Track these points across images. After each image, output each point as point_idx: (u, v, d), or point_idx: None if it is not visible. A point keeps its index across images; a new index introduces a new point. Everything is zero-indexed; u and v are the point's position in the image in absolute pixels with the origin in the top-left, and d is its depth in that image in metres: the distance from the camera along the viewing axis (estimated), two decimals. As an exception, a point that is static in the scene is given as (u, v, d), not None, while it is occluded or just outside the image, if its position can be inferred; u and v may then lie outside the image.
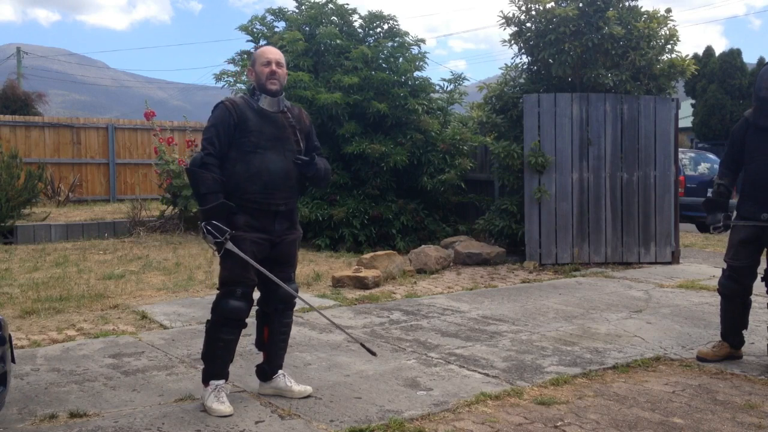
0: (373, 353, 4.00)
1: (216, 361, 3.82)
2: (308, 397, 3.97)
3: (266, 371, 4.03)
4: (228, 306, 3.78)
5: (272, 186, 3.83)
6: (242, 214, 3.79)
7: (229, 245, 3.70)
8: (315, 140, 4.12)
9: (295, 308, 6.22)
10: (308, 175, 3.97)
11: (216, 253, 3.76)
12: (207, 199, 3.72)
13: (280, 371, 4.04)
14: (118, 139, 16.53)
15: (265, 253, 3.86)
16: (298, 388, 4.00)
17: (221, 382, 3.82)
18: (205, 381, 3.83)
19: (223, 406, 3.73)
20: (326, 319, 4.10)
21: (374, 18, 11.38)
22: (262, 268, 3.79)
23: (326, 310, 6.15)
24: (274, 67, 3.91)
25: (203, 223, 3.71)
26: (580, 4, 9.21)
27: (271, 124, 3.89)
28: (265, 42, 11.55)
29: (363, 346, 4.00)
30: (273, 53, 3.97)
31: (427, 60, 11.19)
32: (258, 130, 3.84)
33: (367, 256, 7.93)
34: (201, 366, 4.19)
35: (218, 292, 3.87)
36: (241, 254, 3.71)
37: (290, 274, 4.02)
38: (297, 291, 4.02)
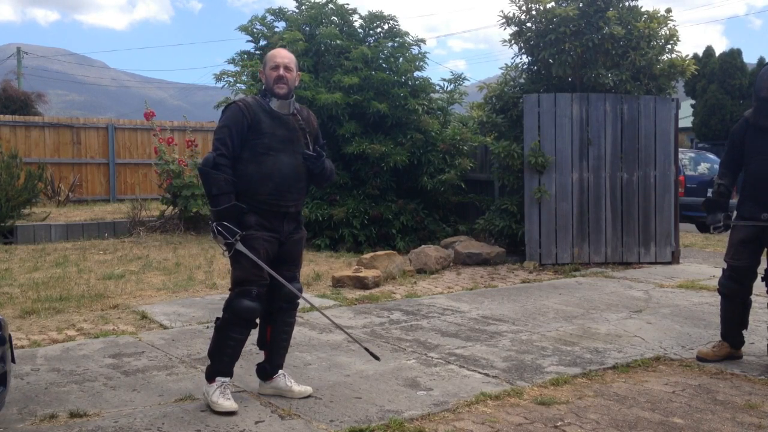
0: (377, 358, 4.01)
1: (224, 358, 3.84)
2: (308, 397, 3.97)
3: (267, 370, 4.03)
4: (243, 306, 3.79)
5: (284, 188, 3.86)
6: (253, 214, 3.82)
7: (240, 246, 3.72)
8: (321, 141, 4.14)
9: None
10: (315, 171, 3.99)
11: (225, 253, 3.78)
12: (219, 201, 3.74)
13: (280, 371, 4.05)
14: (118, 139, 16.53)
15: (275, 251, 3.89)
16: (299, 388, 4.01)
17: (227, 379, 3.84)
18: (211, 378, 3.83)
19: (229, 402, 3.74)
20: (329, 321, 4.10)
21: (374, 18, 11.38)
22: (268, 269, 3.81)
23: (326, 310, 6.14)
24: (281, 71, 3.92)
25: (214, 224, 3.73)
26: (581, 4, 9.21)
27: (283, 126, 3.92)
28: (264, 42, 11.55)
29: (367, 350, 4.00)
30: (282, 57, 3.97)
31: (427, 60, 11.19)
32: (271, 132, 3.86)
33: (367, 256, 7.93)
34: (201, 366, 4.19)
35: (231, 291, 3.87)
36: (251, 255, 3.73)
37: (295, 274, 4.06)
38: (301, 291, 4.05)
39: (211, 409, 3.74)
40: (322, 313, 4.23)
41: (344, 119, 10.36)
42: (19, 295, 6.70)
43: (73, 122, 16.42)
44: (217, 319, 3.91)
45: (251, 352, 4.58)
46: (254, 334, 4.14)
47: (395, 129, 10.63)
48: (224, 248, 3.76)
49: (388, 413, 3.72)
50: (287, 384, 4.01)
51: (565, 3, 9.36)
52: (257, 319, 3.92)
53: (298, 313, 5.81)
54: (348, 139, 10.33)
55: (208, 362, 3.89)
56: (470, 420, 3.65)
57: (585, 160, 8.97)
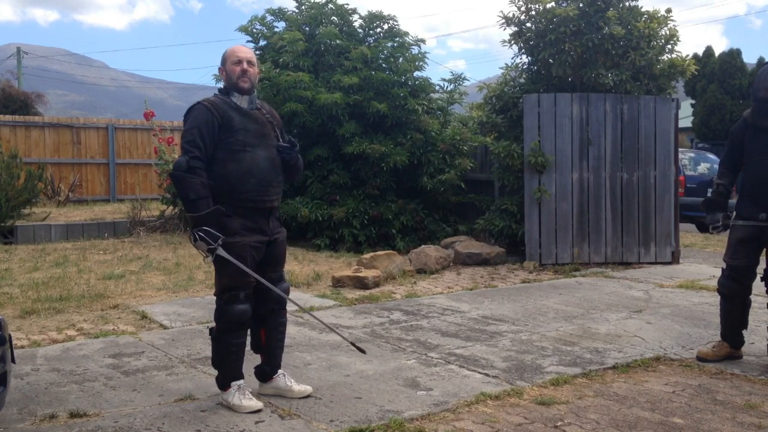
0: (363, 351, 4.03)
1: (231, 364, 3.84)
2: (308, 397, 3.97)
3: (266, 372, 4.03)
4: (235, 311, 3.77)
5: (265, 183, 3.84)
6: (237, 217, 3.77)
7: (221, 251, 3.66)
8: (285, 135, 4.13)
9: (295, 308, 6.21)
10: (291, 162, 4.00)
11: (207, 259, 3.72)
12: (198, 206, 3.65)
13: (279, 371, 4.04)
14: (118, 139, 16.53)
15: (261, 255, 3.87)
16: (299, 387, 4.00)
17: (241, 381, 3.85)
18: (225, 386, 3.83)
19: (252, 402, 3.76)
20: (316, 319, 4.11)
21: (374, 18, 11.38)
22: (254, 274, 3.78)
23: (326, 310, 6.15)
24: (245, 65, 3.90)
25: (195, 230, 3.65)
26: (581, 4, 9.21)
27: (253, 121, 3.89)
28: (264, 42, 11.55)
29: (353, 344, 4.02)
30: (243, 52, 3.96)
31: (427, 60, 11.18)
32: (243, 128, 3.82)
33: (367, 256, 7.93)
34: (201, 366, 4.19)
35: (218, 299, 3.83)
36: (233, 260, 3.69)
37: (282, 273, 4.06)
38: (288, 291, 4.06)
39: (236, 412, 3.72)
40: (310, 314, 4.24)
41: (344, 119, 10.36)
42: (19, 295, 6.70)
43: (73, 122, 16.42)
44: (211, 330, 3.89)
45: (248, 352, 4.58)
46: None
47: (395, 129, 10.63)
48: (206, 254, 3.69)
49: (388, 413, 3.72)
50: (287, 384, 4.00)
51: (565, 3, 9.36)
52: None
53: (297, 314, 5.82)
54: (348, 139, 10.33)
55: (217, 373, 3.88)
56: (470, 420, 3.65)
57: (585, 160, 8.97)
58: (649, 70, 9.25)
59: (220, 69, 3.99)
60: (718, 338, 4.88)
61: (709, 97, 25.27)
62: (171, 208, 11.91)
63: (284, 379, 4.02)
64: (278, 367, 4.05)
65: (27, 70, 37.97)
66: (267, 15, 11.79)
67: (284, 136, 4.06)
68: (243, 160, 3.77)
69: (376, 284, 7.39)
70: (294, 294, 6.74)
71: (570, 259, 8.88)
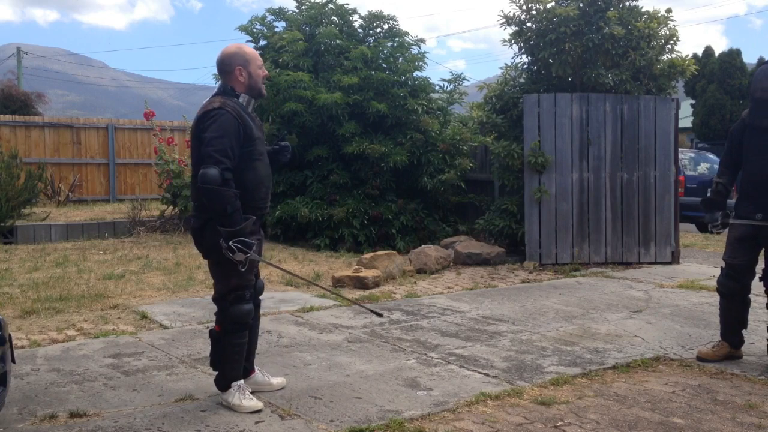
0: (380, 315, 4.05)
1: (234, 365, 3.84)
2: (308, 397, 3.97)
3: (246, 369, 4.03)
4: (242, 310, 3.79)
5: (270, 189, 3.93)
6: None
7: (254, 256, 3.70)
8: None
9: (295, 308, 6.23)
10: (283, 161, 4.13)
11: (241, 266, 3.69)
12: (235, 219, 3.61)
13: (256, 367, 4.10)
14: (118, 139, 16.53)
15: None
16: (277, 380, 4.09)
17: (241, 382, 3.86)
18: (225, 387, 3.83)
19: (253, 402, 3.77)
20: (323, 288, 4.11)
21: (374, 18, 11.38)
22: (278, 265, 3.85)
23: (326, 310, 6.14)
24: (266, 71, 3.95)
25: (233, 242, 3.58)
26: (581, 4, 9.21)
27: (259, 128, 3.91)
28: (264, 42, 11.55)
29: (371, 310, 4.03)
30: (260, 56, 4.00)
31: (426, 60, 11.18)
32: (258, 136, 3.84)
33: (367, 256, 7.92)
34: (201, 366, 4.18)
35: (223, 300, 3.82)
36: (263, 260, 3.81)
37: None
38: (264, 286, 4.18)
39: (236, 412, 3.73)
40: (325, 288, 4.23)
41: (344, 119, 10.36)
42: (19, 295, 6.70)
43: (73, 122, 16.42)
44: (211, 332, 3.89)
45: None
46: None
47: (395, 129, 10.63)
48: (242, 262, 3.65)
49: (388, 413, 3.72)
50: (265, 378, 4.07)
51: (566, 3, 9.36)
52: None
53: (297, 313, 5.83)
54: (348, 139, 10.33)
55: (217, 374, 3.87)
56: (470, 420, 3.65)
57: (585, 160, 8.97)
58: (649, 70, 9.25)
59: (239, 69, 3.81)
60: (718, 338, 4.88)
61: (709, 97, 25.28)
62: (171, 208, 11.92)
63: (262, 374, 4.08)
64: (253, 362, 4.09)
65: (27, 70, 37.97)
66: (267, 15, 11.80)
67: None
68: (258, 168, 3.79)
69: (376, 284, 7.39)
70: (294, 294, 6.75)
71: (570, 259, 8.88)
